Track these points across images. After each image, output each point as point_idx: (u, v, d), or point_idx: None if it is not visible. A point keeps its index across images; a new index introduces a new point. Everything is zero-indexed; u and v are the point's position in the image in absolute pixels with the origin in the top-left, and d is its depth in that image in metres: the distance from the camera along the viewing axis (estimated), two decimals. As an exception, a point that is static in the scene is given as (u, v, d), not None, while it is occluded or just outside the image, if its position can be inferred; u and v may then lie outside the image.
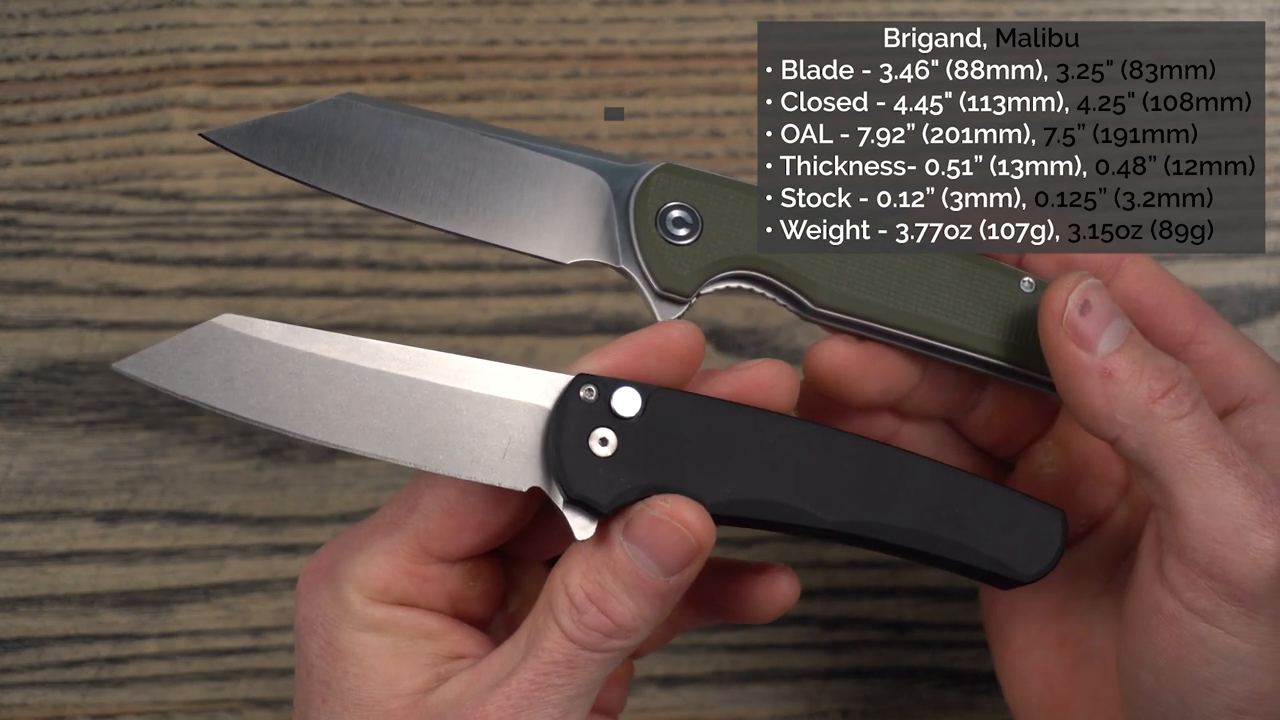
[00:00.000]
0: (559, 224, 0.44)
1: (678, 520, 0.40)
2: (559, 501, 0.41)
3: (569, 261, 0.44)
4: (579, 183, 0.44)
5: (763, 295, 0.44)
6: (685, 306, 0.44)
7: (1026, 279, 0.44)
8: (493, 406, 0.42)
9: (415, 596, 0.43)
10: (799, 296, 0.44)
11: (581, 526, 0.41)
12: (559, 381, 0.42)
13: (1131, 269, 0.44)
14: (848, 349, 0.44)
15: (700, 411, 0.42)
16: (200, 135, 0.43)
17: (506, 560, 0.46)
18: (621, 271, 0.44)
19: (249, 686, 0.59)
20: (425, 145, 0.44)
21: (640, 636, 0.41)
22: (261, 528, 0.60)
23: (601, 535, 0.41)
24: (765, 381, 0.43)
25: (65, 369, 0.61)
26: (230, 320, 0.41)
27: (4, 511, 0.60)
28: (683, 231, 0.44)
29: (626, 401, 0.41)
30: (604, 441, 0.41)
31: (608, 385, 0.41)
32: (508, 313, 0.61)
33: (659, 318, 0.44)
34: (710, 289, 0.44)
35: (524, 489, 0.41)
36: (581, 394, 0.41)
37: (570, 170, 0.44)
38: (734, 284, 0.44)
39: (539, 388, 0.42)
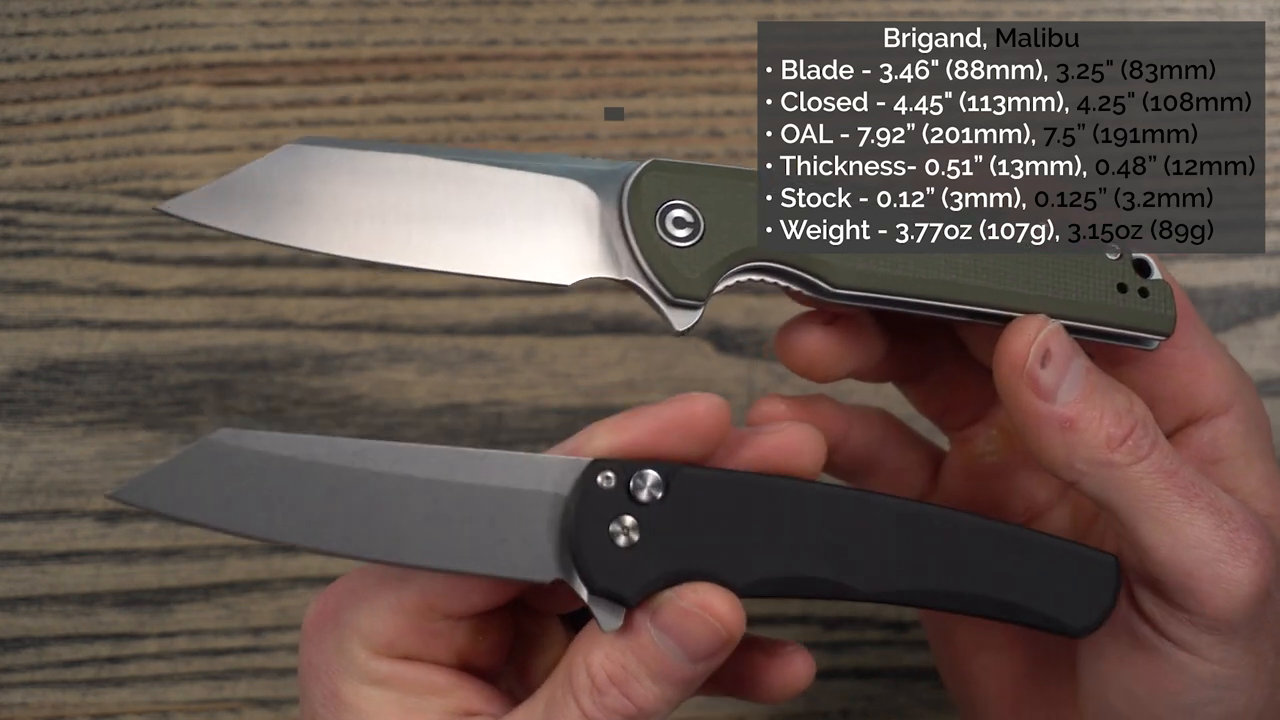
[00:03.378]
0: (550, 246, 0.41)
1: (709, 613, 0.39)
2: (583, 595, 0.39)
3: (570, 283, 0.41)
4: (563, 197, 0.42)
5: (775, 285, 0.43)
6: (699, 310, 0.42)
7: None
8: (508, 500, 0.40)
9: (421, 652, 0.42)
10: (816, 281, 0.42)
11: (608, 619, 0.39)
12: (575, 467, 0.40)
13: None
14: (822, 334, 0.44)
15: (725, 489, 0.40)
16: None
17: (516, 610, 0.45)
18: (627, 284, 0.41)
19: (249, 686, 0.59)
20: (399, 175, 0.41)
21: (660, 719, 0.40)
22: (261, 528, 0.60)
23: (627, 618, 0.40)
24: (790, 448, 0.42)
25: (65, 369, 0.61)
26: (226, 435, 0.39)
27: (4, 511, 0.60)
28: (685, 231, 0.41)
29: (648, 485, 0.40)
30: (626, 530, 0.39)
31: (626, 469, 0.40)
32: (507, 312, 0.61)
33: (675, 325, 0.41)
34: (722, 286, 0.42)
35: (547, 581, 0.40)
36: (599, 481, 0.40)
37: (551, 184, 0.42)
38: (746, 278, 0.42)
39: (554, 475, 0.40)
